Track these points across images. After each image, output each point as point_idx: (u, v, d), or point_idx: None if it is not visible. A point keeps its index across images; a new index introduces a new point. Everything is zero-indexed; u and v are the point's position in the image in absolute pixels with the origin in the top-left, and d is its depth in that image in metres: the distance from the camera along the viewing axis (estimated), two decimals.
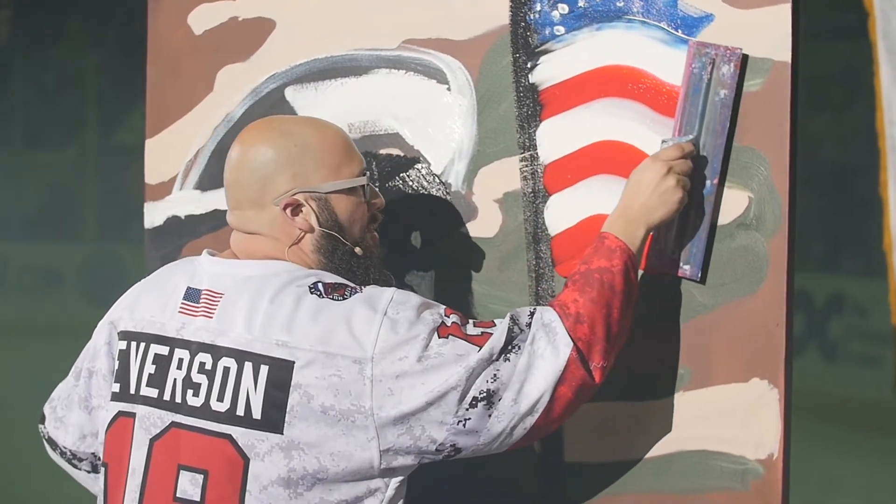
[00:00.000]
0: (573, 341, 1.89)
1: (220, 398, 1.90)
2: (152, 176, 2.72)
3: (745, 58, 2.03)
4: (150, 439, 1.96)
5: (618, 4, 2.16)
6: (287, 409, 1.86)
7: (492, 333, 1.89)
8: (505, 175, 2.26)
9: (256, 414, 1.87)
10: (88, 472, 2.19)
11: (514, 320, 1.91)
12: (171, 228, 2.67)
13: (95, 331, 2.14)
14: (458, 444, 1.90)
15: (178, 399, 1.94)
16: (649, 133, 2.12)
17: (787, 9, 2.02)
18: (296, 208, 1.99)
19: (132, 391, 2.00)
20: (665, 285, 2.11)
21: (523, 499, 2.27)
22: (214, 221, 2.59)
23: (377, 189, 2.12)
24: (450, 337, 1.88)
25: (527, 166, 2.24)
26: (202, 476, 1.90)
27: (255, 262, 1.98)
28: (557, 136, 2.22)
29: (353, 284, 1.95)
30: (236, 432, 1.88)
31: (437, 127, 2.33)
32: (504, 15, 2.26)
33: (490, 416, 1.88)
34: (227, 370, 1.91)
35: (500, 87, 2.27)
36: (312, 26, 2.47)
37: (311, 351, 1.86)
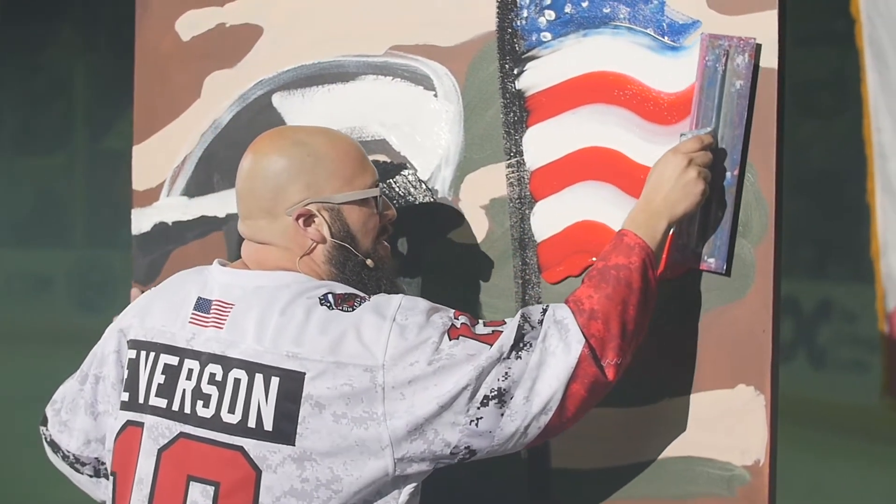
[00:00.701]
0: (586, 338, 1.87)
1: (232, 410, 1.89)
2: (140, 182, 2.71)
3: (758, 47, 2.03)
4: (158, 449, 1.95)
5: (604, 11, 2.16)
6: (299, 421, 1.85)
7: (502, 331, 1.88)
8: (491, 181, 2.26)
9: (268, 426, 1.86)
10: (91, 476, 2.18)
11: (524, 318, 1.90)
12: (159, 235, 2.67)
13: (104, 336, 2.14)
14: (473, 446, 1.88)
15: (188, 410, 1.93)
16: (636, 139, 2.13)
17: (773, 15, 2.02)
18: (308, 219, 1.98)
19: (141, 401, 1.99)
20: None
21: None
22: (202, 228, 2.59)
23: (389, 201, 2.11)
24: (460, 338, 1.87)
25: (513, 172, 2.24)
26: (213, 488, 1.89)
27: (265, 272, 1.98)
28: (544, 143, 2.22)
29: (362, 294, 1.94)
30: (248, 444, 1.87)
31: (424, 133, 2.33)
32: (491, 21, 2.26)
33: (503, 415, 1.86)
34: (237, 382, 1.90)
35: (486, 94, 2.27)
36: (300, 33, 2.47)
37: (321, 362, 1.85)
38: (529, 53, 2.23)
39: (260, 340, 1.89)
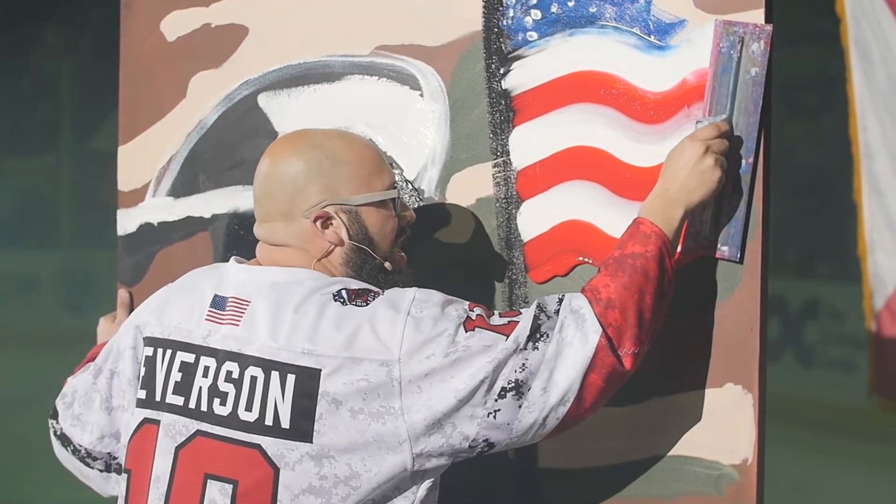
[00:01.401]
0: (602, 327, 1.87)
1: (249, 408, 1.89)
2: (125, 183, 2.71)
3: (774, 34, 2.02)
4: (176, 447, 1.94)
5: (591, 10, 2.16)
6: (316, 418, 1.85)
7: (518, 322, 1.88)
8: (478, 181, 2.26)
9: (285, 423, 1.86)
10: (101, 471, 2.18)
11: (540, 308, 1.89)
12: (144, 235, 2.66)
13: (119, 332, 2.13)
14: (491, 439, 1.88)
15: (204, 407, 1.93)
16: (622, 139, 2.12)
17: (759, 14, 2.02)
18: (326, 221, 1.97)
19: (158, 398, 1.99)
20: None
21: None
22: (187, 228, 2.58)
23: (406, 203, 2.10)
24: (476, 329, 1.86)
25: (499, 172, 2.24)
26: (231, 486, 1.88)
27: (280, 268, 1.97)
28: (530, 142, 2.21)
29: (376, 289, 1.93)
30: (266, 442, 1.87)
31: (410, 133, 2.33)
32: (477, 21, 2.26)
33: (520, 406, 1.86)
34: (254, 379, 1.89)
35: (472, 93, 2.27)
36: (285, 33, 2.47)
37: (336, 358, 1.85)
38: (516, 53, 2.23)
39: (275, 338, 1.89)
